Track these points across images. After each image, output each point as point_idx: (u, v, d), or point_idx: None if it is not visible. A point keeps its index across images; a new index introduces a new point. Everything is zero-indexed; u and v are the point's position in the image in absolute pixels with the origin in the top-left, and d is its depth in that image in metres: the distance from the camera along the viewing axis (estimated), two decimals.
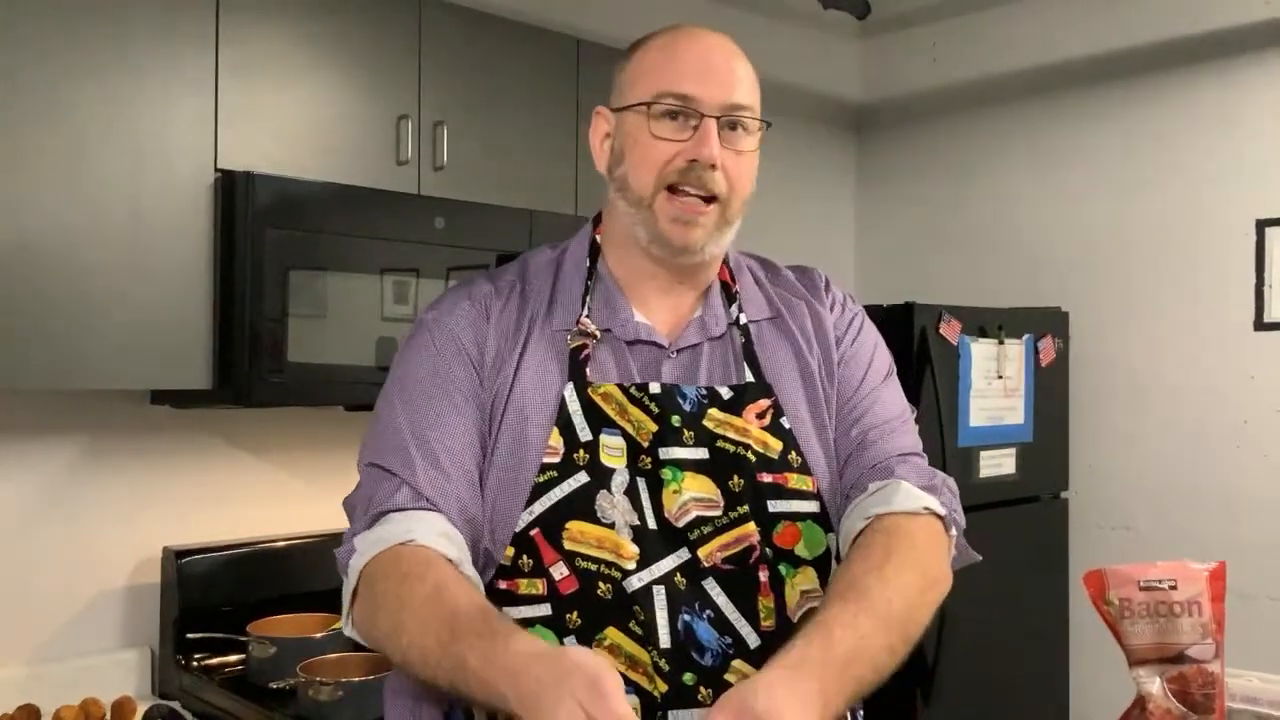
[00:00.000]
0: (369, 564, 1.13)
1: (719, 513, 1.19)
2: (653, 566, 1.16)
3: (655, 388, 1.22)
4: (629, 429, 1.20)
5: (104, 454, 2.30)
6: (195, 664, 2.24)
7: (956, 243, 3.72)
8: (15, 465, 2.20)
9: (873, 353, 1.35)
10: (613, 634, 1.14)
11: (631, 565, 1.15)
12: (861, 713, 1.34)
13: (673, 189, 1.21)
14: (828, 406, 1.28)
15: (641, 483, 1.18)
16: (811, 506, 1.23)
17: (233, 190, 2.05)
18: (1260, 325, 3.06)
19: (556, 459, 1.18)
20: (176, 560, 2.26)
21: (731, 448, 1.21)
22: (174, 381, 2.07)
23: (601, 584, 1.15)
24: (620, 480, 1.18)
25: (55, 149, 1.89)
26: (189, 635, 2.25)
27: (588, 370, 1.22)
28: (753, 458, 1.22)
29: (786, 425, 1.24)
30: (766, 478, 1.21)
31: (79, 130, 1.91)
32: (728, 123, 1.22)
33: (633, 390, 1.21)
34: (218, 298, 2.06)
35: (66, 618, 2.26)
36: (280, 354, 2.07)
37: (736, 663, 1.16)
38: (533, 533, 1.16)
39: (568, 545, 1.16)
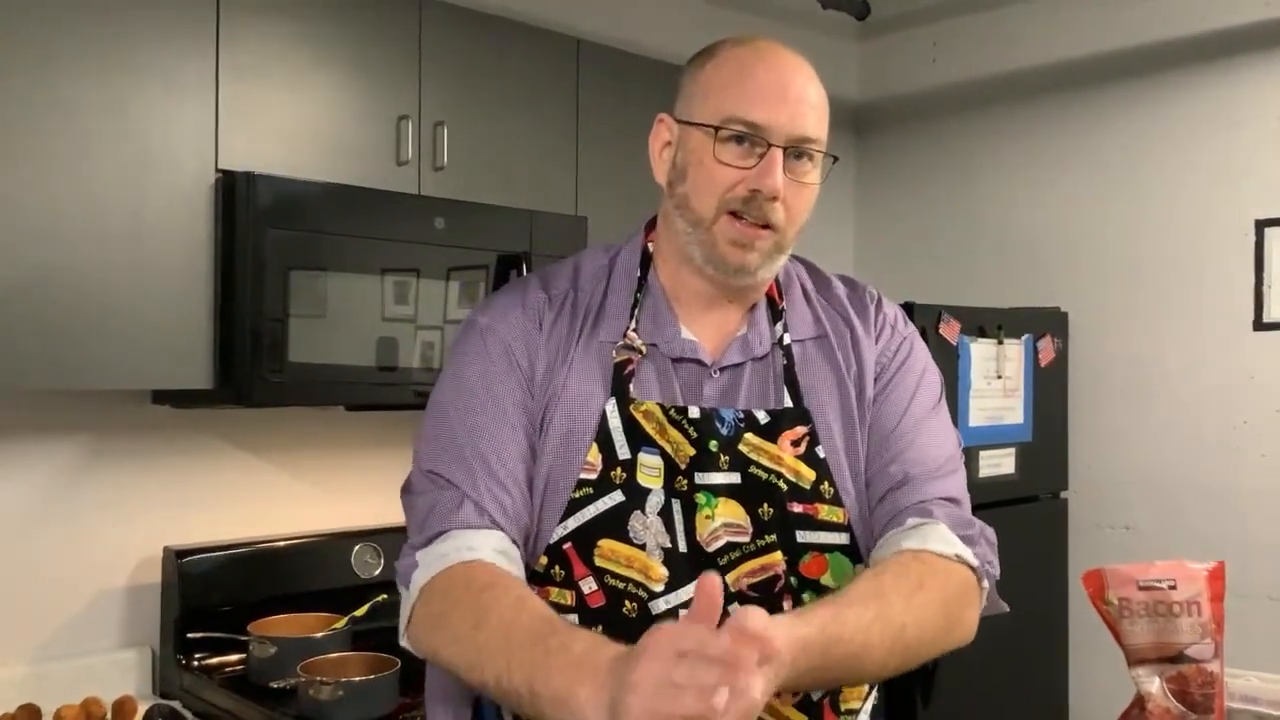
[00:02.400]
0: (434, 579, 1.13)
1: (747, 539, 1.19)
2: (680, 590, 1.16)
3: (695, 412, 1.22)
4: (668, 449, 1.20)
5: (104, 454, 2.30)
6: (196, 664, 2.24)
7: (956, 243, 3.72)
8: (15, 465, 2.20)
9: (919, 382, 1.31)
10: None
11: (659, 587, 1.16)
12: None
13: (733, 213, 1.20)
14: (861, 438, 1.26)
15: (676, 505, 1.19)
16: (841, 538, 1.22)
17: (233, 190, 2.05)
18: (1260, 325, 3.06)
19: (594, 475, 1.18)
20: (177, 560, 2.26)
21: (764, 475, 1.21)
22: (174, 381, 2.07)
23: (628, 602, 1.16)
24: (655, 501, 1.18)
25: (56, 149, 1.89)
26: (189, 635, 2.25)
27: (631, 387, 1.22)
28: (784, 486, 1.21)
29: (821, 455, 1.23)
30: (797, 508, 1.21)
31: (80, 131, 1.91)
32: (793, 152, 1.20)
33: (673, 413, 1.21)
34: (218, 298, 2.06)
35: (67, 618, 2.26)
36: (280, 354, 2.07)
37: None
38: (565, 546, 1.17)
39: (598, 562, 1.16)
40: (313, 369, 2.12)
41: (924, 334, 2.84)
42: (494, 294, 1.34)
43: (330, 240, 2.15)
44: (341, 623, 2.24)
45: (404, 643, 1.17)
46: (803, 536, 1.20)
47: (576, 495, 1.17)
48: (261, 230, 2.04)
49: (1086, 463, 3.39)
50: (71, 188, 1.91)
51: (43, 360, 1.88)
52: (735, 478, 1.20)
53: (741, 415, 1.23)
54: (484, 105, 2.47)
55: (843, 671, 1.08)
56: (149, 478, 2.36)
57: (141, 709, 2.09)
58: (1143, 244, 3.29)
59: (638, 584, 1.16)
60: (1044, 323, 3.28)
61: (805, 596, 1.20)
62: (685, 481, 1.19)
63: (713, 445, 1.21)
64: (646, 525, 1.17)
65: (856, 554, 1.23)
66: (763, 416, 1.23)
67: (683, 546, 1.17)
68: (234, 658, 2.24)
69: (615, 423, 1.19)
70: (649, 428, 1.20)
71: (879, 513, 1.24)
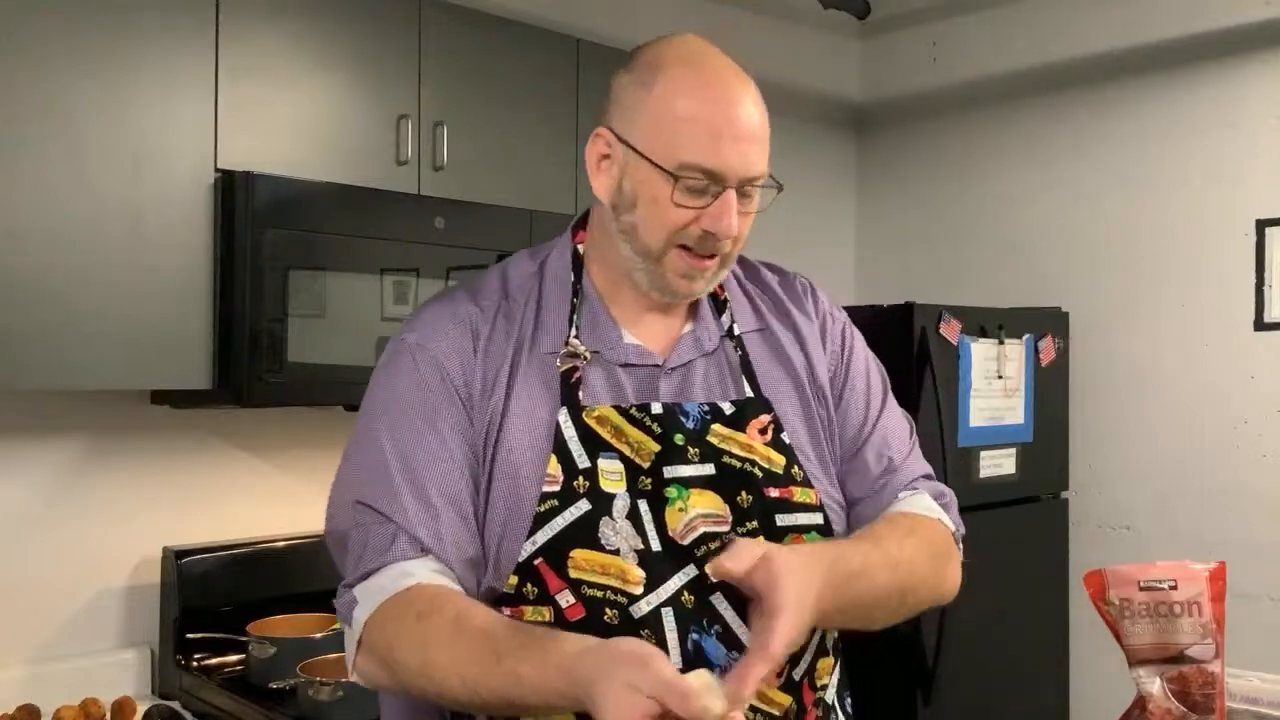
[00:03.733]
0: (374, 615, 1.12)
1: (727, 528, 1.18)
2: (660, 589, 1.15)
3: (657, 407, 1.21)
4: (626, 451, 1.18)
5: (104, 454, 2.30)
6: (195, 664, 2.24)
7: (957, 243, 3.72)
8: (15, 465, 2.20)
9: (868, 366, 1.36)
10: None
11: (639, 590, 1.14)
12: (849, 700, 1.34)
13: (683, 245, 1.19)
14: (822, 422, 1.29)
15: (643, 504, 1.17)
16: (816, 518, 1.23)
17: (233, 190, 2.05)
18: (1260, 325, 3.06)
19: (556, 487, 1.16)
20: (176, 560, 2.26)
21: (738, 464, 1.21)
22: (174, 381, 2.07)
23: (609, 610, 1.14)
24: (621, 505, 1.16)
25: (55, 149, 1.89)
26: (189, 635, 2.25)
27: (580, 394, 1.20)
28: (759, 473, 1.21)
29: (787, 440, 1.25)
30: (773, 492, 1.21)
31: (79, 130, 1.91)
32: (742, 189, 1.20)
33: (633, 411, 1.20)
34: (218, 298, 2.06)
35: (66, 618, 2.26)
36: (280, 354, 2.07)
37: None
38: (536, 562, 1.14)
39: (573, 574, 1.14)
40: (312, 369, 2.12)
41: (924, 334, 2.87)
42: (420, 309, 1.29)
43: (329, 240, 2.14)
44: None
45: (353, 677, 1.16)
46: (782, 520, 1.21)
47: (542, 509, 1.15)
48: (261, 230, 2.04)
49: (1087, 463, 3.38)
50: (71, 188, 1.90)
51: (42, 360, 1.88)
52: (709, 469, 1.20)
53: (706, 408, 1.23)
54: (484, 105, 2.47)
55: (861, 604, 1.16)
56: (148, 478, 2.36)
57: (141, 709, 2.09)
58: (1143, 244, 3.29)
59: (616, 590, 1.14)
60: (1044, 323, 3.28)
61: None
62: (649, 480, 1.18)
63: (678, 439, 1.20)
64: (616, 530, 1.15)
65: (830, 532, 1.24)
66: (728, 407, 1.24)
67: (656, 545, 1.16)
68: (233, 658, 2.24)
69: (570, 432, 1.17)
70: (604, 433, 1.18)
71: (871, 501, 1.29)
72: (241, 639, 2.20)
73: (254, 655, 2.17)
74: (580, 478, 1.16)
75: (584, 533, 1.15)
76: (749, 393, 1.26)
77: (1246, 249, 3.08)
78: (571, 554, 1.14)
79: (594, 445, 1.18)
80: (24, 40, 1.86)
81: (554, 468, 1.16)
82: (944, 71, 3.59)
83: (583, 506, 1.15)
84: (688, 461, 1.19)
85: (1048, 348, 3.26)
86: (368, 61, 2.29)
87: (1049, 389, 3.28)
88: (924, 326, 2.89)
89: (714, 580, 1.14)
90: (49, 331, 1.88)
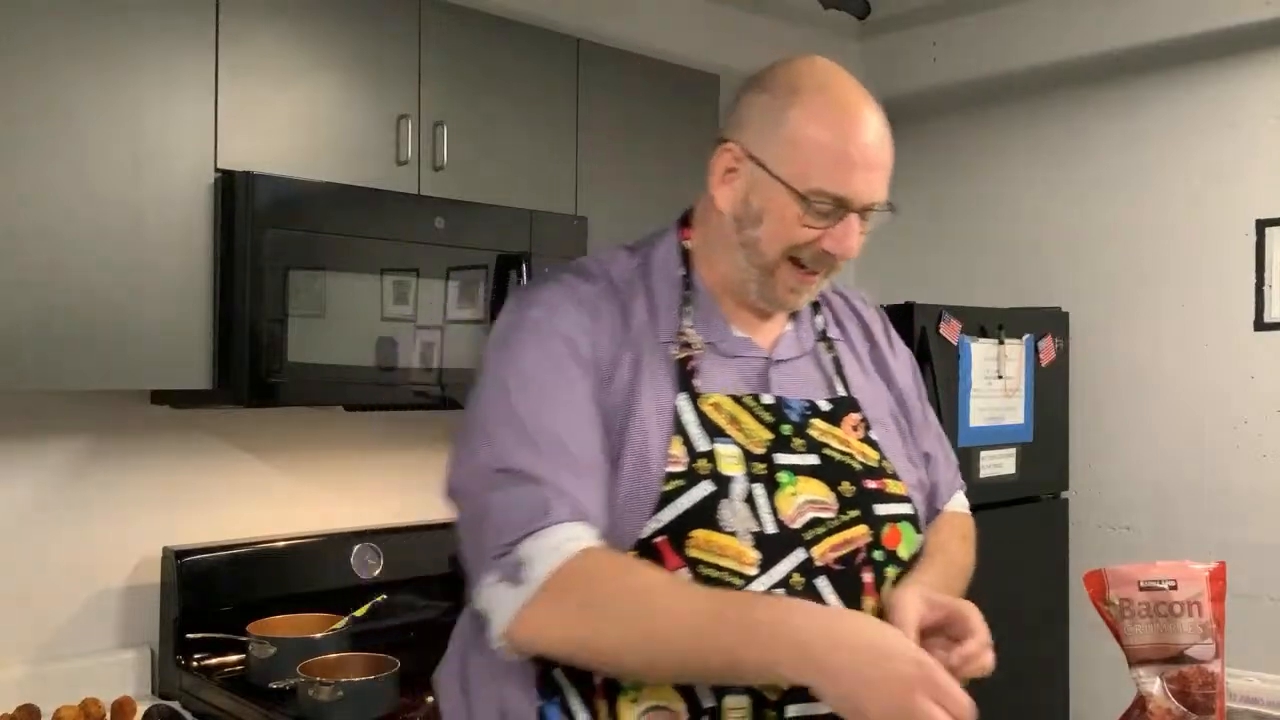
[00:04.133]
0: (559, 570, 1.11)
1: (832, 515, 1.24)
2: (772, 570, 1.18)
3: (768, 398, 1.28)
4: (739, 438, 1.23)
5: (104, 454, 2.30)
6: (195, 664, 2.24)
7: (957, 243, 3.72)
8: (15, 465, 2.20)
9: (922, 382, 1.50)
10: None
11: (753, 571, 1.17)
12: None
13: (794, 259, 1.26)
14: (899, 425, 1.40)
15: (758, 489, 1.21)
16: (907, 508, 1.31)
17: (233, 190, 2.05)
18: (1260, 325, 3.06)
19: (681, 468, 1.19)
20: (176, 560, 2.26)
21: (838, 455, 1.28)
22: (174, 381, 2.07)
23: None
24: (739, 488, 1.20)
25: (55, 149, 1.89)
26: (189, 635, 2.25)
27: (696, 381, 1.25)
28: (857, 465, 1.28)
29: (875, 437, 1.34)
30: (871, 484, 1.28)
31: (79, 130, 1.91)
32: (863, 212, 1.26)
33: (747, 400, 1.26)
34: (218, 298, 2.06)
35: (66, 618, 2.26)
36: (280, 354, 2.07)
37: None
38: (657, 540, 1.17)
39: (691, 553, 1.17)
40: (312, 369, 2.12)
41: (924, 334, 2.87)
42: (528, 291, 1.31)
43: (329, 240, 2.14)
44: (341, 623, 2.24)
45: (501, 642, 1.14)
46: (879, 509, 1.27)
47: (667, 489, 1.18)
48: (261, 230, 2.04)
49: (1087, 463, 3.38)
50: (71, 187, 1.90)
51: (42, 361, 1.88)
52: (814, 459, 1.26)
53: (807, 404, 1.30)
54: (484, 105, 2.47)
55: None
56: (148, 478, 2.36)
57: (141, 709, 2.09)
58: (1143, 244, 3.29)
59: (732, 571, 1.17)
60: (1044, 323, 3.28)
61: (888, 570, 1.26)
62: (763, 466, 1.23)
63: (785, 429, 1.26)
64: (734, 512, 1.19)
65: (917, 521, 1.32)
66: (824, 404, 1.32)
67: (770, 528, 1.20)
68: (233, 658, 2.24)
69: (689, 416, 1.22)
70: (719, 419, 1.24)
71: (933, 498, 1.45)
72: (241, 639, 2.20)
73: (254, 655, 2.17)
74: (703, 459, 1.21)
75: (705, 514, 1.18)
76: (841, 392, 1.35)
77: (1246, 249, 3.08)
78: (692, 533, 1.17)
79: (711, 430, 1.23)
80: (24, 40, 1.85)
81: (677, 449, 1.20)
82: (944, 71, 3.59)
83: (706, 488, 1.19)
84: (794, 451, 1.25)
85: (1048, 348, 3.26)
86: (367, 61, 2.29)
87: (1049, 389, 3.28)
88: (924, 326, 2.89)
89: (820, 564, 1.21)
90: (49, 331, 1.88)
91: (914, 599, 1.18)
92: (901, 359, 1.47)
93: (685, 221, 1.36)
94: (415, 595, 2.59)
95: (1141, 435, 3.28)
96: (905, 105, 3.80)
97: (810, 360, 1.35)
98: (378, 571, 2.50)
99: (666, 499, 1.18)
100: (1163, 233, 3.25)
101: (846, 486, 1.26)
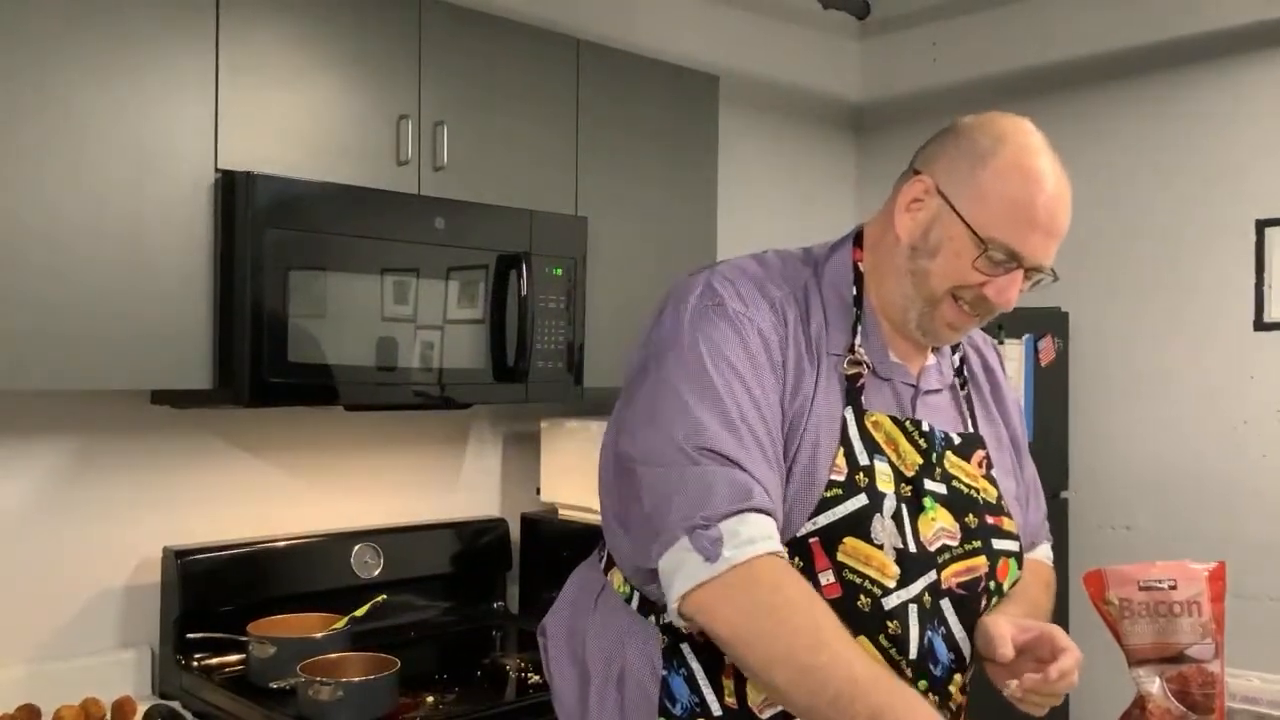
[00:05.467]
0: (752, 564, 1.16)
1: (956, 543, 1.32)
2: (909, 586, 1.26)
3: (925, 424, 1.34)
4: (893, 458, 1.30)
5: (104, 454, 2.30)
6: (195, 664, 2.24)
7: None
8: (16, 465, 2.20)
9: (1023, 418, 1.55)
10: (864, 642, 1.23)
11: (892, 584, 1.25)
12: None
13: (957, 297, 1.31)
14: (1012, 463, 1.47)
15: (905, 509, 1.28)
16: (1016, 546, 1.39)
17: (233, 190, 2.05)
18: (1260, 325, 3.06)
19: (841, 477, 1.26)
20: (176, 560, 2.26)
21: (965, 489, 1.35)
22: (174, 381, 2.06)
23: (863, 597, 1.24)
24: (889, 505, 1.27)
25: (55, 149, 1.89)
26: (189, 635, 2.24)
27: (862, 399, 1.31)
28: (981, 500, 1.36)
29: (995, 475, 1.41)
30: (990, 519, 1.36)
31: (79, 130, 1.91)
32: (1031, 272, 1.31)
33: (906, 424, 1.33)
34: (218, 298, 2.06)
35: (66, 618, 2.26)
36: (280, 354, 2.07)
37: (957, 676, 1.30)
38: (811, 540, 1.24)
39: (840, 557, 1.24)
40: (312, 369, 2.12)
41: None
42: (713, 277, 1.32)
43: (330, 240, 2.14)
44: (341, 623, 2.24)
45: (677, 606, 1.18)
46: (997, 544, 1.36)
47: (828, 495, 1.24)
48: (261, 230, 2.04)
49: (1086, 463, 3.38)
50: (71, 188, 1.90)
51: (42, 360, 1.88)
52: (943, 488, 1.33)
53: (943, 436, 1.36)
54: (484, 105, 2.47)
55: None
56: (149, 478, 2.36)
57: (141, 709, 2.09)
58: (1143, 244, 3.29)
59: (874, 581, 1.24)
60: (1045, 323, 3.28)
61: (995, 601, 1.37)
62: (909, 488, 1.30)
63: (934, 457, 1.33)
64: (884, 527, 1.26)
65: (1021, 559, 1.41)
66: (957, 439, 1.38)
67: (911, 547, 1.27)
68: (234, 658, 2.24)
69: (854, 431, 1.28)
70: (878, 437, 1.30)
71: (1027, 548, 1.49)
72: (241, 639, 2.20)
73: (254, 655, 2.17)
74: (861, 473, 1.27)
75: (858, 524, 1.25)
76: (971, 429, 1.42)
77: (1246, 249, 3.09)
78: (844, 540, 1.24)
79: (870, 447, 1.29)
80: (24, 40, 1.85)
81: (840, 460, 1.26)
82: (944, 71, 3.59)
83: (861, 500, 1.26)
84: (935, 479, 1.33)
85: (1048, 348, 3.26)
86: (368, 61, 2.29)
87: (1049, 389, 3.27)
88: None
89: (945, 588, 1.29)
90: (49, 331, 1.88)
91: (1006, 621, 1.27)
92: (1011, 400, 1.52)
93: (857, 241, 1.40)
94: (415, 595, 2.60)
95: (1141, 435, 3.28)
96: (905, 105, 3.80)
97: (946, 395, 1.42)
98: (378, 571, 2.50)
99: (825, 505, 1.24)
100: (1163, 233, 3.25)
101: (971, 519, 1.33)
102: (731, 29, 3.33)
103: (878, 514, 1.25)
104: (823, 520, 1.24)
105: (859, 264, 1.37)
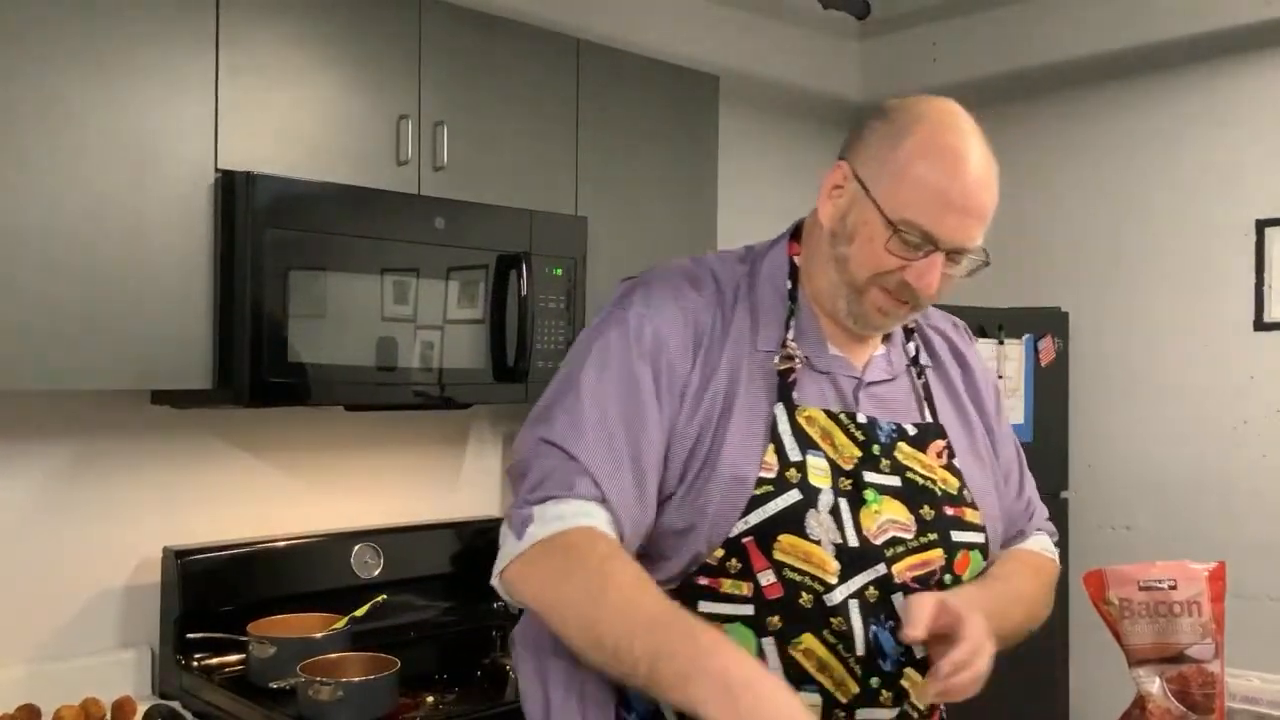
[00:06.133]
0: (553, 536, 1.17)
1: (910, 536, 1.29)
2: (850, 581, 1.24)
3: (862, 417, 1.32)
4: (830, 452, 1.28)
5: (104, 454, 2.30)
6: (195, 664, 2.24)
7: None
8: (15, 465, 2.20)
9: (1008, 417, 1.51)
10: (809, 640, 1.23)
11: (834, 580, 1.23)
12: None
13: (885, 287, 1.28)
14: (984, 456, 1.41)
15: (843, 503, 1.26)
16: (980, 538, 1.35)
17: (233, 190, 2.05)
18: (1260, 325, 3.06)
19: (772, 474, 1.24)
20: (176, 560, 2.26)
21: (920, 480, 1.32)
22: (174, 381, 2.06)
23: (804, 594, 1.23)
24: (826, 500, 1.25)
25: (55, 149, 1.89)
26: (189, 635, 2.24)
27: (794, 394, 1.29)
28: (939, 491, 1.33)
29: (958, 465, 1.37)
30: (950, 510, 1.32)
31: (79, 130, 1.91)
32: (952, 254, 1.28)
33: (842, 417, 1.30)
34: (218, 298, 2.06)
35: (66, 618, 2.26)
36: (280, 354, 2.07)
37: (909, 670, 1.27)
38: (745, 540, 1.23)
39: (777, 556, 1.23)
40: (312, 369, 2.12)
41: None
42: (633, 287, 1.34)
43: (330, 240, 2.14)
44: (341, 623, 2.24)
45: (496, 582, 1.22)
46: (956, 536, 1.32)
47: (757, 492, 1.23)
48: (261, 230, 2.04)
49: (1086, 463, 3.39)
50: (71, 188, 1.90)
51: (42, 361, 1.88)
52: (896, 480, 1.30)
53: (894, 427, 1.33)
54: (484, 105, 2.47)
55: (1010, 634, 1.31)
56: (149, 478, 2.36)
57: (141, 709, 2.09)
58: (1143, 244, 3.29)
59: (814, 577, 1.23)
60: (1044, 323, 3.28)
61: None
62: (849, 481, 1.27)
63: (875, 449, 1.30)
64: (820, 522, 1.24)
65: (987, 551, 1.36)
66: (910, 429, 1.35)
67: (853, 540, 1.25)
68: (234, 658, 2.24)
69: (784, 427, 1.26)
70: (812, 432, 1.28)
71: (1013, 540, 1.46)
72: (241, 639, 2.19)
73: (254, 655, 2.17)
74: (793, 469, 1.25)
75: (792, 520, 1.23)
76: (928, 418, 1.37)
77: (1246, 249, 3.09)
78: (779, 538, 1.23)
79: (803, 442, 1.27)
80: (24, 40, 1.85)
81: (770, 457, 1.25)
82: (944, 71, 3.59)
83: (794, 496, 1.24)
84: (880, 471, 1.30)
85: (1047, 348, 3.26)
86: (368, 61, 2.29)
87: (1049, 389, 3.28)
88: None
89: (898, 581, 1.25)
90: (49, 331, 1.88)
91: (929, 600, 1.20)
92: (985, 384, 1.48)
93: (795, 234, 1.39)
94: (415, 595, 2.59)
95: (1141, 435, 3.28)
96: None
97: (899, 385, 1.38)
98: (378, 571, 2.50)
99: (756, 503, 1.23)
100: (1163, 233, 3.25)
101: (926, 510, 1.30)
102: (731, 29, 3.33)
103: (812, 509, 1.24)
104: (754, 519, 1.22)
105: (794, 258, 1.36)
